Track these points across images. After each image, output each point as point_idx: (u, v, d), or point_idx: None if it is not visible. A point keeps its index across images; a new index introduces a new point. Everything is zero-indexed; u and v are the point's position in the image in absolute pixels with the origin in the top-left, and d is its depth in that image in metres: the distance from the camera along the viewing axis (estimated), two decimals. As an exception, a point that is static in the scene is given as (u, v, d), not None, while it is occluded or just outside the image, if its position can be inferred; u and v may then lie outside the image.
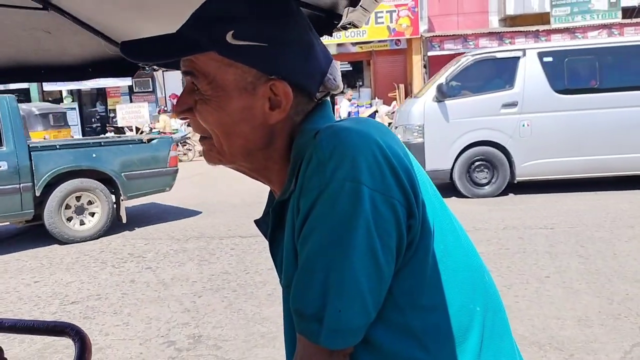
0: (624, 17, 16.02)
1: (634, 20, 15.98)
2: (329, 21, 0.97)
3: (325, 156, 0.74)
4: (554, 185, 8.16)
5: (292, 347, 0.85)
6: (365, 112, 17.68)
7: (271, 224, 0.88)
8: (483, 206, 7.35)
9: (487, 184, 7.94)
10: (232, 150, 0.86)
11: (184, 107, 0.85)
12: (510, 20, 17.47)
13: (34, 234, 7.29)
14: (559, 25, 16.15)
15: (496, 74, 8.21)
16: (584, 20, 16.10)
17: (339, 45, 18.18)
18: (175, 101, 1.00)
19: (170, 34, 0.83)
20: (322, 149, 0.74)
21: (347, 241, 0.72)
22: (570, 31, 16.11)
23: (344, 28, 1.03)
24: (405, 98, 17.98)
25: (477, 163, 7.92)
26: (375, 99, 18.57)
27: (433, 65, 17.97)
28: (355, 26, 1.03)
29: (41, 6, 1.09)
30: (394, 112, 17.19)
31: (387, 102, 18.01)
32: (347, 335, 0.75)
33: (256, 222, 0.98)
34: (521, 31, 16.37)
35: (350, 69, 22.09)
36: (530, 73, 7.75)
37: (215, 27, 0.80)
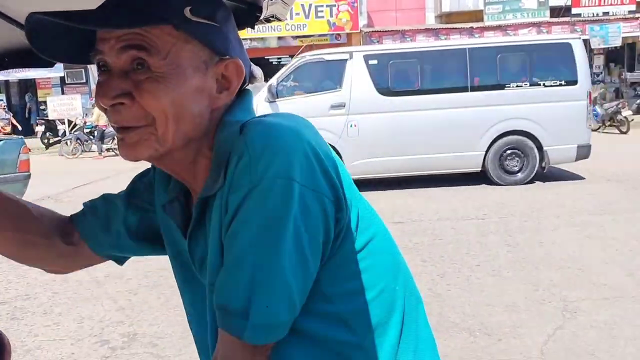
0: (552, 15, 16.78)
1: (561, 19, 16.79)
2: (252, 13, 0.97)
3: (257, 153, 0.73)
4: (385, 182, 8.55)
5: (212, 347, 0.84)
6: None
7: (193, 220, 0.86)
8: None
9: None
10: (175, 137, 0.79)
11: (119, 91, 0.76)
12: (445, 17, 17.95)
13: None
14: (491, 22, 16.76)
15: (326, 75, 8.59)
16: (515, 18, 16.77)
17: (279, 38, 18.13)
18: (97, 88, 0.80)
19: (119, 2, 0.72)
20: (254, 146, 0.74)
21: (275, 238, 0.73)
22: (502, 28, 16.74)
23: (267, 21, 1.03)
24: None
25: None
26: (316, 92, 18.65)
27: (372, 60, 18.25)
28: (278, 19, 1.03)
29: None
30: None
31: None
32: (273, 331, 0.76)
33: (163, 206, 0.94)
34: (456, 28, 16.86)
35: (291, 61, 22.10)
36: (357, 75, 8.11)
37: (173, 1, 0.76)
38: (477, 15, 17.07)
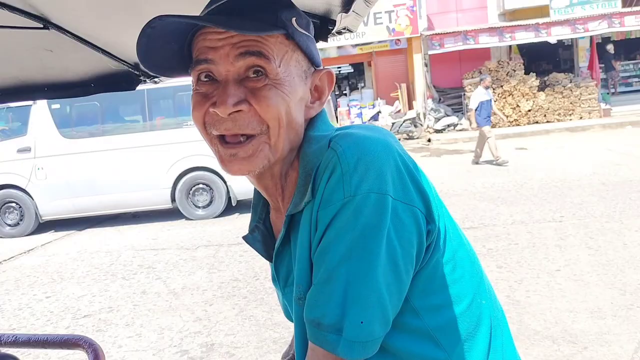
0: (623, 5, 15.94)
1: (635, 8, 15.90)
2: (324, 27, 0.98)
3: (350, 167, 0.73)
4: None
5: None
6: (368, 113, 17.69)
7: (280, 238, 0.86)
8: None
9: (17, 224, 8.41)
10: (284, 145, 0.80)
11: (238, 99, 0.77)
12: (509, 15, 17.42)
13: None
14: (558, 17, 16.09)
15: (14, 119, 8.67)
16: (583, 10, 16.04)
17: (339, 47, 18.20)
18: (198, 99, 0.80)
19: (237, 9, 0.77)
20: (347, 159, 0.73)
21: (369, 252, 0.72)
22: (570, 22, 16.04)
23: (339, 33, 1.04)
24: (408, 97, 18.01)
25: (6, 205, 8.37)
26: (377, 99, 18.56)
27: (434, 64, 17.96)
28: (350, 30, 1.04)
29: (42, 26, 1.11)
30: (398, 112, 17.19)
31: (390, 102, 18.00)
32: (367, 346, 0.75)
33: (245, 238, 0.95)
34: (521, 25, 16.32)
35: (352, 70, 22.10)
36: (41, 120, 8.24)
37: (284, 11, 0.79)
38: (542, 11, 16.45)
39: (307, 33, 0.81)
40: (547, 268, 4.61)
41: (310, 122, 0.85)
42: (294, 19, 0.79)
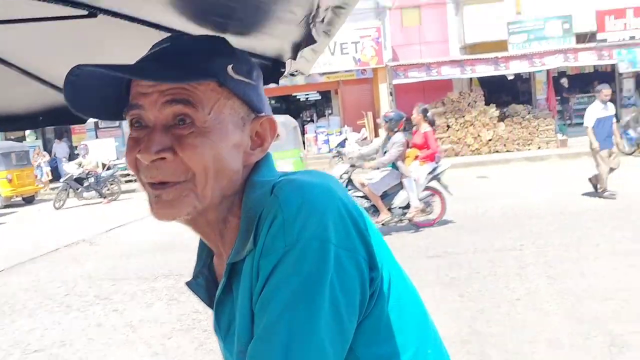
0: (577, 42, 16.65)
1: (588, 45, 16.63)
2: (276, 69, 0.98)
3: (292, 214, 0.72)
4: None
5: None
6: (335, 140, 17.85)
7: (221, 287, 0.84)
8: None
9: None
10: (213, 193, 0.79)
11: (162, 146, 0.76)
12: (470, 49, 17.98)
13: (-4, 279, 7.04)
14: (516, 51, 16.68)
15: None
16: (540, 46, 16.68)
17: (307, 75, 18.40)
18: (130, 143, 0.79)
19: (167, 58, 0.77)
20: (289, 206, 0.72)
21: (312, 303, 0.70)
22: (527, 57, 16.65)
23: (292, 75, 1.04)
24: (374, 125, 18.26)
25: None
26: (344, 126, 18.77)
27: (399, 93, 18.31)
28: (302, 73, 1.04)
29: (-15, 59, 1.08)
30: (364, 139, 17.38)
31: (356, 129, 18.22)
32: None
33: (188, 284, 0.92)
34: (481, 58, 16.85)
35: (319, 97, 22.35)
36: None
37: (217, 59, 0.79)
38: (501, 45, 17.05)
39: (246, 80, 0.81)
40: (507, 297, 4.66)
41: (255, 167, 0.84)
42: (229, 67, 0.79)
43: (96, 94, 0.80)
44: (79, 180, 14.50)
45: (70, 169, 14.56)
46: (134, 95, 0.79)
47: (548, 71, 17.45)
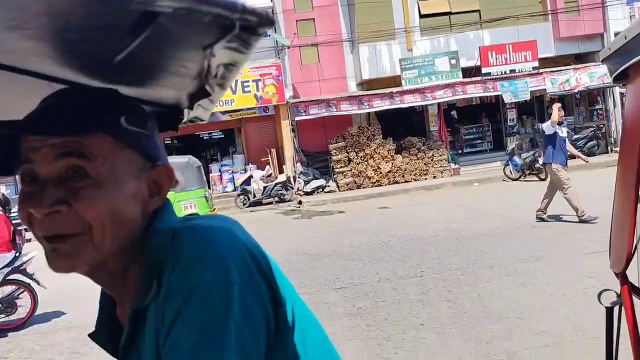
0: (464, 76, 17.96)
1: (474, 79, 17.98)
2: (175, 116, 1.00)
3: (194, 258, 0.73)
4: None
5: None
6: (240, 178, 17.74)
7: (126, 336, 0.83)
8: None
9: None
10: (112, 244, 0.78)
11: (55, 199, 0.75)
12: (366, 84, 18.80)
13: None
14: (409, 86, 17.69)
15: None
16: (430, 81, 17.81)
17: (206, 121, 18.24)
18: (21, 198, 0.77)
19: (57, 112, 0.77)
20: (189, 251, 0.74)
21: (218, 343, 0.71)
22: (420, 91, 17.70)
23: (191, 122, 1.07)
24: (278, 162, 18.41)
25: None
26: (249, 164, 18.75)
27: (301, 129, 18.68)
28: (201, 120, 1.07)
29: None
30: (269, 176, 17.44)
31: (261, 166, 18.27)
32: None
33: (90, 335, 0.91)
34: (378, 94, 17.67)
35: (222, 136, 22.17)
36: None
37: (110, 111, 0.79)
38: (395, 80, 17.99)
39: (140, 130, 0.82)
40: (412, 323, 4.84)
41: (155, 215, 0.85)
42: (122, 118, 0.80)
43: None
44: None
45: None
46: (24, 149, 0.78)
47: (439, 104, 18.61)
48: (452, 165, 18.13)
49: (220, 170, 18.82)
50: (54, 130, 0.75)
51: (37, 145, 0.77)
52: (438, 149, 18.02)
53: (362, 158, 17.50)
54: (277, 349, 0.81)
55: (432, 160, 17.84)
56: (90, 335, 0.91)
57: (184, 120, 1.02)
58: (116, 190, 0.78)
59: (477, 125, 20.42)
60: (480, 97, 19.35)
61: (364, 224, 10.87)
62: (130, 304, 0.83)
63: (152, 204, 0.84)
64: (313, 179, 17.87)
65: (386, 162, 17.51)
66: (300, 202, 15.88)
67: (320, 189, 17.62)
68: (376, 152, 17.47)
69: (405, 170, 17.59)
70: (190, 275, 0.73)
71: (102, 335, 0.91)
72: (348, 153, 17.55)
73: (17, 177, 0.78)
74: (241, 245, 0.78)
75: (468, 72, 18.05)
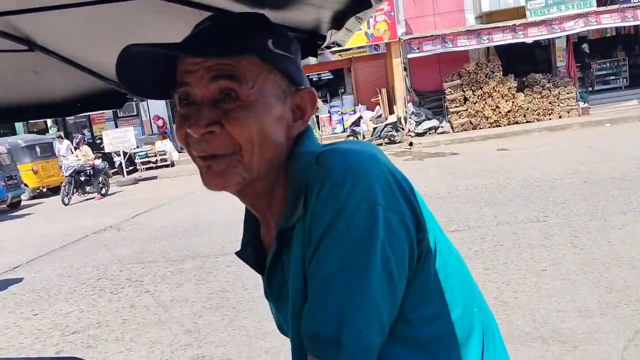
0: (598, 4, 16.23)
1: (610, 7, 16.20)
2: (313, 42, 0.99)
3: (339, 180, 0.74)
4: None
5: None
6: (349, 119, 17.75)
7: (272, 254, 0.87)
8: None
9: None
10: (260, 164, 0.82)
11: (210, 120, 0.79)
12: (486, 17, 17.64)
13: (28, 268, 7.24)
14: (535, 18, 16.33)
15: None
16: (559, 11, 16.29)
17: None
18: (179, 120, 0.83)
19: (210, 36, 0.81)
20: (335, 173, 0.75)
21: (364, 263, 0.73)
22: (546, 23, 16.29)
23: (328, 47, 1.05)
24: (389, 102, 18.12)
25: None
26: (358, 105, 18.65)
27: (414, 67, 18.10)
28: (339, 45, 1.05)
29: (27, 48, 1.10)
30: (379, 117, 17.28)
31: (371, 107, 18.10)
32: (365, 356, 0.75)
33: (238, 254, 0.97)
34: (498, 27, 16.54)
35: (332, 77, 22.17)
36: None
37: (258, 34, 0.82)
38: (519, 12, 16.69)
39: (285, 53, 0.84)
40: (533, 268, 4.66)
41: (297, 139, 0.87)
42: (269, 41, 0.81)
43: (145, 74, 0.83)
44: (79, 173, 14.09)
45: (71, 162, 14.23)
46: (181, 73, 0.82)
47: (568, 37, 17.07)
48: (581, 104, 16.71)
49: (329, 112, 18.92)
50: (208, 51, 0.78)
51: (193, 69, 0.80)
52: (565, 87, 16.62)
53: (480, 97, 16.66)
54: (419, 275, 0.81)
55: (557, 99, 16.54)
56: (237, 254, 0.97)
57: (323, 45, 1.00)
58: (264, 112, 0.81)
59: (611, 59, 18.53)
60: (616, 28, 17.43)
61: (480, 166, 10.49)
62: (275, 225, 0.86)
63: (295, 128, 0.86)
64: (425, 120, 17.41)
65: (506, 101, 16.53)
66: (411, 144, 15.63)
67: (433, 130, 17.16)
68: (495, 91, 16.52)
69: (527, 109, 16.51)
70: (337, 197, 0.74)
71: (248, 253, 0.95)
72: (464, 92, 16.77)
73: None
74: (385, 168, 0.78)
75: (603, 0, 16.27)
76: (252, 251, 0.96)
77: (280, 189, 0.86)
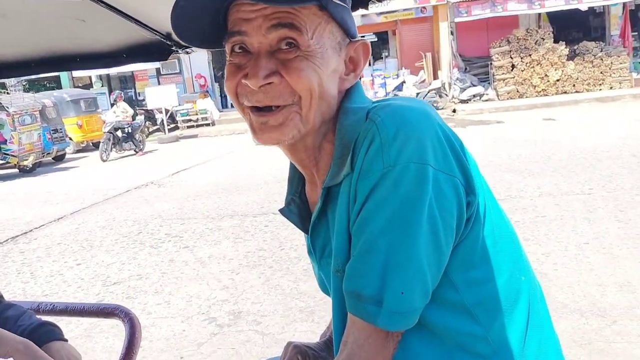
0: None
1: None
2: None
3: (390, 137, 0.72)
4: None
5: (342, 334, 0.83)
6: (392, 83, 17.46)
7: (317, 210, 0.86)
8: None
9: None
10: (315, 117, 0.80)
11: (269, 71, 0.77)
12: (539, -19, 16.87)
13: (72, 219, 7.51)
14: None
15: None
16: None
17: (363, 16, 17.89)
18: (231, 69, 0.80)
19: None
20: (386, 130, 0.73)
21: (410, 222, 0.71)
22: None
23: (379, 0, 1.01)
24: (433, 67, 17.70)
25: None
26: (402, 69, 18.29)
27: (460, 32, 17.56)
28: (389, -3, 1.01)
29: (75, -5, 1.10)
30: (422, 82, 16.93)
31: (414, 72, 17.73)
32: (407, 317, 0.75)
33: (281, 211, 0.95)
34: (552, -10, 15.80)
35: (376, 39, 21.74)
36: None
37: None
38: (574, -24, 15.90)
39: (342, 3, 0.80)
40: (575, 241, 4.56)
41: (347, 94, 0.84)
42: None
43: (198, 20, 0.81)
44: (117, 130, 14.06)
45: (109, 118, 14.28)
46: (235, 21, 0.79)
47: (625, 4, 16.19)
48: (635, 75, 15.94)
49: (372, 75, 18.61)
50: None
51: (250, 17, 0.77)
52: (618, 56, 15.84)
53: (528, 64, 16.06)
54: (467, 238, 0.78)
55: (610, 69, 15.80)
56: (280, 211, 0.96)
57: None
58: (322, 63, 0.78)
59: (670, 28, 17.54)
60: (679, -6, 16.44)
61: (525, 136, 10.21)
62: (321, 182, 0.85)
63: (347, 82, 0.83)
64: (470, 86, 16.96)
65: (555, 70, 15.90)
66: (454, 110, 15.30)
67: (478, 97, 16.72)
68: (545, 58, 15.90)
69: (577, 79, 15.86)
70: (386, 154, 0.72)
71: (292, 211, 0.94)
72: (512, 58, 16.19)
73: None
74: (437, 126, 0.75)
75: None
76: (296, 209, 0.94)
77: (328, 144, 0.84)
